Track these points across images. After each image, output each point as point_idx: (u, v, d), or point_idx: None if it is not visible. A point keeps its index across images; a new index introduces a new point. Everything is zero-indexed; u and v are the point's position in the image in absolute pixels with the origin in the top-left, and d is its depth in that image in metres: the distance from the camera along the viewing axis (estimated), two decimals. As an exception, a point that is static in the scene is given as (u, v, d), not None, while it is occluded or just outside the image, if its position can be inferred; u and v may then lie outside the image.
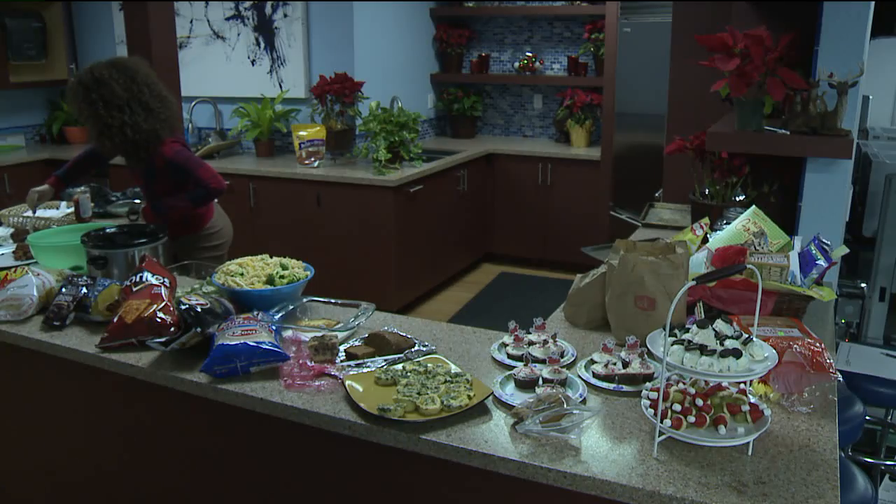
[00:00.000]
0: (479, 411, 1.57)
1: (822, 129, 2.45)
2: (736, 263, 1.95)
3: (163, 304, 1.95)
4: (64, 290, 2.14)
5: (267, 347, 1.74)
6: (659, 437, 1.41)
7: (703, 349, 1.39)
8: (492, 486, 1.49)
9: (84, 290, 2.12)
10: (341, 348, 1.87)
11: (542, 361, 1.74)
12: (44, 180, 3.19)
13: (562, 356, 1.80)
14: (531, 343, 1.85)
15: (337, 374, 1.74)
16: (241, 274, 2.16)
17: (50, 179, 3.18)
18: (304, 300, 2.17)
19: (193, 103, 5.46)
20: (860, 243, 3.31)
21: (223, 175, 3.01)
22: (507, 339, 1.89)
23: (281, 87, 5.34)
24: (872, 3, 2.53)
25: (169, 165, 2.85)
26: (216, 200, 3.18)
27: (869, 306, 3.16)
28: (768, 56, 2.43)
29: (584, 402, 1.60)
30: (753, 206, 2.30)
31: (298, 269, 2.23)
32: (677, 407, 1.42)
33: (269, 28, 5.30)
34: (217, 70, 5.52)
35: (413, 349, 1.87)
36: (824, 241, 2.09)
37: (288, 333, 1.92)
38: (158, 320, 1.91)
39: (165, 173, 2.88)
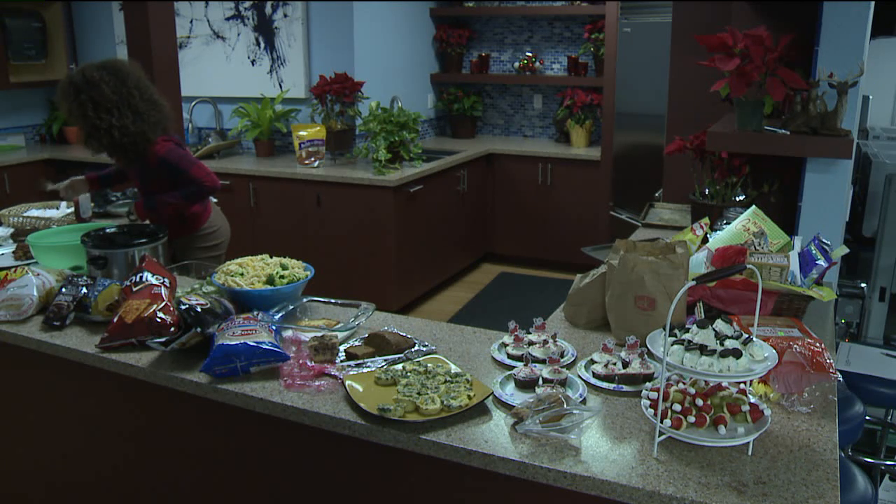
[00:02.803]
0: (479, 411, 1.57)
1: (822, 129, 2.46)
2: (736, 263, 1.95)
3: (163, 304, 1.95)
4: (64, 290, 2.14)
5: (267, 347, 1.74)
6: (659, 437, 1.41)
7: (703, 349, 1.39)
8: (492, 486, 1.49)
9: (84, 290, 2.12)
10: (341, 348, 1.87)
11: (542, 361, 1.75)
12: (44, 180, 3.18)
13: (562, 356, 1.80)
14: (531, 343, 1.84)
15: (337, 374, 1.74)
16: (241, 274, 2.16)
17: (90, 175, 3.16)
18: (304, 300, 2.17)
19: (193, 103, 5.46)
20: (860, 243, 3.31)
21: (223, 175, 3.01)
22: (507, 339, 1.89)
23: (281, 87, 5.34)
24: (872, 3, 2.53)
25: (163, 164, 2.85)
26: (215, 200, 3.18)
27: (869, 306, 3.16)
28: (768, 56, 2.43)
29: (584, 402, 1.60)
30: (753, 206, 2.30)
31: (298, 269, 2.23)
32: (677, 407, 1.42)
33: (269, 28, 5.30)
34: (217, 70, 5.51)
35: (413, 349, 1.87)
36: (824, 241, 2.09)
37: (288, 333, 1.92)
38: (158, 320, 1.91)
39: (159, 172, 2.88)
